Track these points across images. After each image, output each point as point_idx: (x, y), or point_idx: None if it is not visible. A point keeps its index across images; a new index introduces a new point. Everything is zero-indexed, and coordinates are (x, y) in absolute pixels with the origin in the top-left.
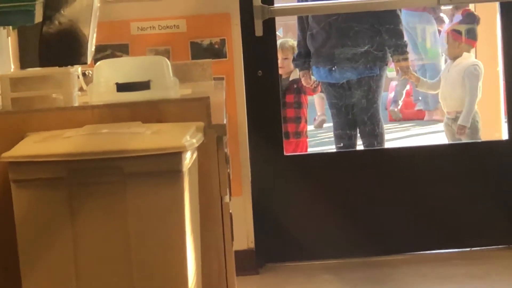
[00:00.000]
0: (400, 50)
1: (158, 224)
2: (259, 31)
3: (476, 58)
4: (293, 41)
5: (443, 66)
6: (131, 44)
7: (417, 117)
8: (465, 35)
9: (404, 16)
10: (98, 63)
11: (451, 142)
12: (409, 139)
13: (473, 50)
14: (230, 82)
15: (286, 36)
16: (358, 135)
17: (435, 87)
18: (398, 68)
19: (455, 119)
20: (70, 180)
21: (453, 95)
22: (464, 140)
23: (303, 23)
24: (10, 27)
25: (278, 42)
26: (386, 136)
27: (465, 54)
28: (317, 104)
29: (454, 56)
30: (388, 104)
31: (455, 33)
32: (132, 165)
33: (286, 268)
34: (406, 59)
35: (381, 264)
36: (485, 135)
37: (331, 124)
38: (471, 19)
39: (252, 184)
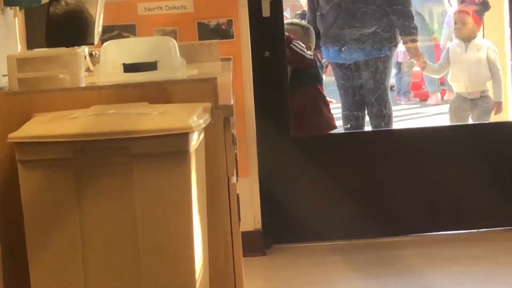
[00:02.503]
0: (408, 31)
1: (165, 205)
2: (266, 11)
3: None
4: (298, 21)
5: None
6: (138, 24)
7: (424, 98)
8: (480, 18)
9: None
10: (105, 43)
11: (460, 123)
12: (416, 120)
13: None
14: (237, 63)
15: (293, 17)
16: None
17: (440, 70)
18: (407, 50)
19: (476, 99)
20: (77, 161)
21: (479, 75)
22: (476, 121)
23: (313, 3)
24: (17, 8)
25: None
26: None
27: (479, 35)
28: None
29: (464, 37)
30: (396, 96)
31: (476, 15)
32: (139, 146)
33: (293, 249)
34: (414, 40)
35: (388, 245)
36: (492, 117)
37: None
38: (486, 4)
39: (259, 165)
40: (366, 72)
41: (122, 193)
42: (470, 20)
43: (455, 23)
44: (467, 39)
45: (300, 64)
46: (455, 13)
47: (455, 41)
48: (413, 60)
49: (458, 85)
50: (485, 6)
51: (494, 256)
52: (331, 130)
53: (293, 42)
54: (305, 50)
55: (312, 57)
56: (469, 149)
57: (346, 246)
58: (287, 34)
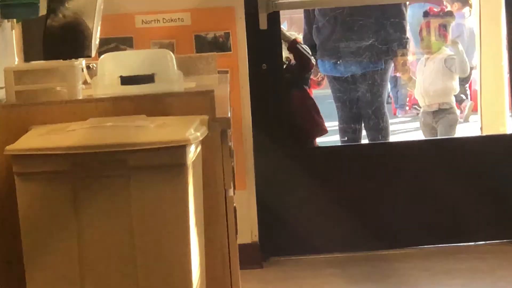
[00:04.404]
0: (402, 45)
1: (162, 217)
2: (263, 24)
3: (480, 52)
4: (296, 35)
5: None
6: (135, 37)
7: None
8: (446, 30)
9: (412, 10)
10: (102, 56)
11: (460, 136)
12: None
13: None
14: (235, 75)
15: (291, 30)
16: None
17: None
18: (397, 64)
19: (437, 111)
20: (74, 174)
21: (434, 86)
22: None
23: (309, 16)
24: (15, 20)
25: None
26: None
27: (445, 48)
28: None
29: (429, 51)
30: (394, 111)
31: (442, 28)
32: (136, 158)
33: (290, 262)
34: (404, 54)
35: (385, 258)
36: (489, 130)
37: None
38: (450, 14)
39: (256, 178)
40: (363, 85)
41: (120, 205)
42: (435, 33)
43: (436, 36)
44: (431, 53)
45: (305, 65)
46: (438, 27)
47: (424, 56)
48: (400, 74)
49: (420, 99)
50: (450, 17)
51: (493, 269)
52: (322, 135)
53: (298, 44)
54: (310, 52)
55: (314, 63)
56: (467, 161)
57: (344, 259)
58: (291, 37)
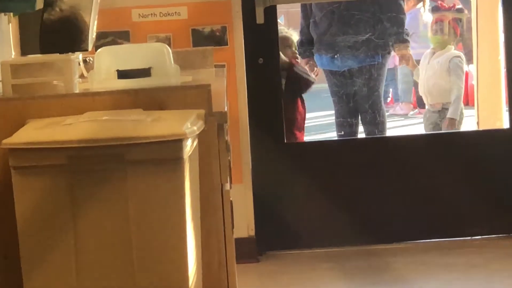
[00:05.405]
0: (402, 38)
1: (158, 211)
2: (260, 18)
3: (477, 47)
4: (286, 30)
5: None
6: (132, 31)
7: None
8: (458, 25)
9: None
10: (99, 50)
11: (452, 131)
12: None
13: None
14: (231, 69)
15: (287, 24)
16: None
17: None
18: (399, 56)
19: (441, 111)
20: (71, 167)
21: (438, 87)
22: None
23: (306, 10)
24: (11, 14)
25: None
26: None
27: (448, 46)
28: None
29: (440, 45)
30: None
31: (455, 23)
32: (133, 152)
33: (286, 256)
34: (406, 47)
35: (381, 252)
36: (486, 124)
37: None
38: (461, 10)
39: (252, 172)
40: (360, 79)
41: (116, 199)
42: (449, 28)
43: (433, 31)
44: (441, 48)
45: (306, 88)
46: (434, 21)
47: (428, 50)
48: (405, 65)
49: (424, 96)
50: (461, 12)
51: (488, 264)
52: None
53: (295, 68)
54: (308, 73)
55: (315, 79)
56: (463, 156)
57: (340, 253)
58: (287, 60)
